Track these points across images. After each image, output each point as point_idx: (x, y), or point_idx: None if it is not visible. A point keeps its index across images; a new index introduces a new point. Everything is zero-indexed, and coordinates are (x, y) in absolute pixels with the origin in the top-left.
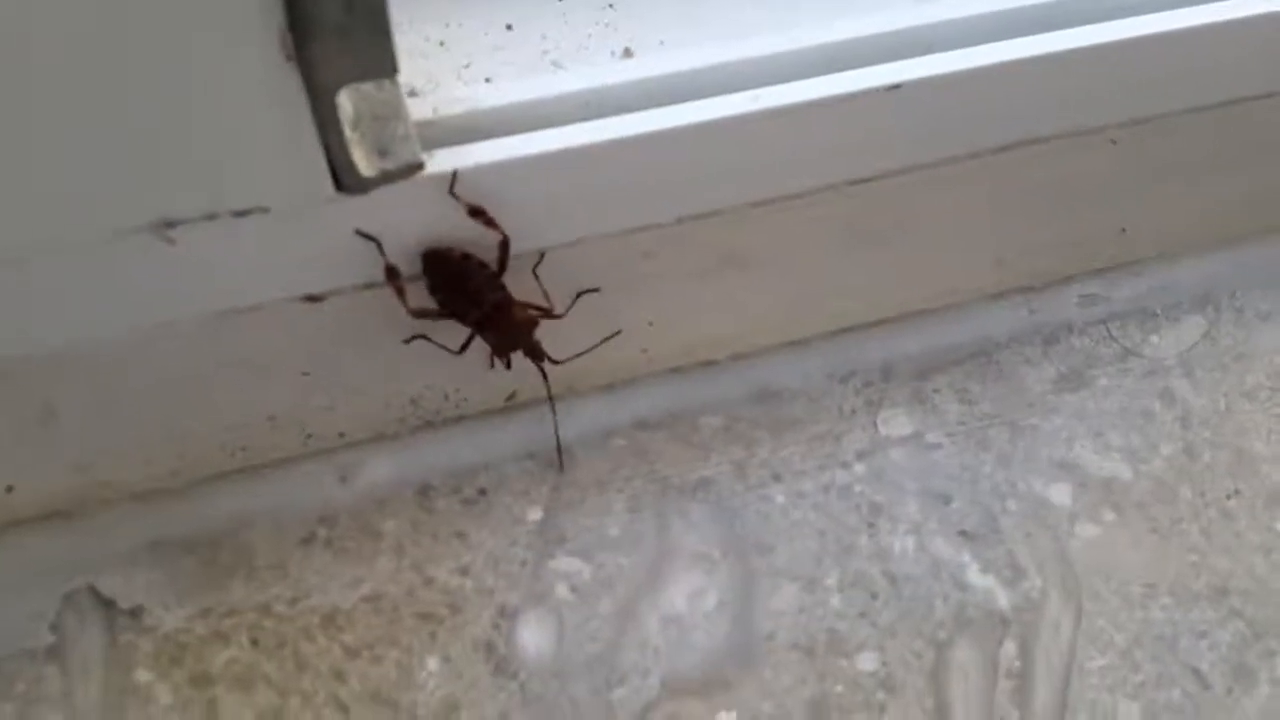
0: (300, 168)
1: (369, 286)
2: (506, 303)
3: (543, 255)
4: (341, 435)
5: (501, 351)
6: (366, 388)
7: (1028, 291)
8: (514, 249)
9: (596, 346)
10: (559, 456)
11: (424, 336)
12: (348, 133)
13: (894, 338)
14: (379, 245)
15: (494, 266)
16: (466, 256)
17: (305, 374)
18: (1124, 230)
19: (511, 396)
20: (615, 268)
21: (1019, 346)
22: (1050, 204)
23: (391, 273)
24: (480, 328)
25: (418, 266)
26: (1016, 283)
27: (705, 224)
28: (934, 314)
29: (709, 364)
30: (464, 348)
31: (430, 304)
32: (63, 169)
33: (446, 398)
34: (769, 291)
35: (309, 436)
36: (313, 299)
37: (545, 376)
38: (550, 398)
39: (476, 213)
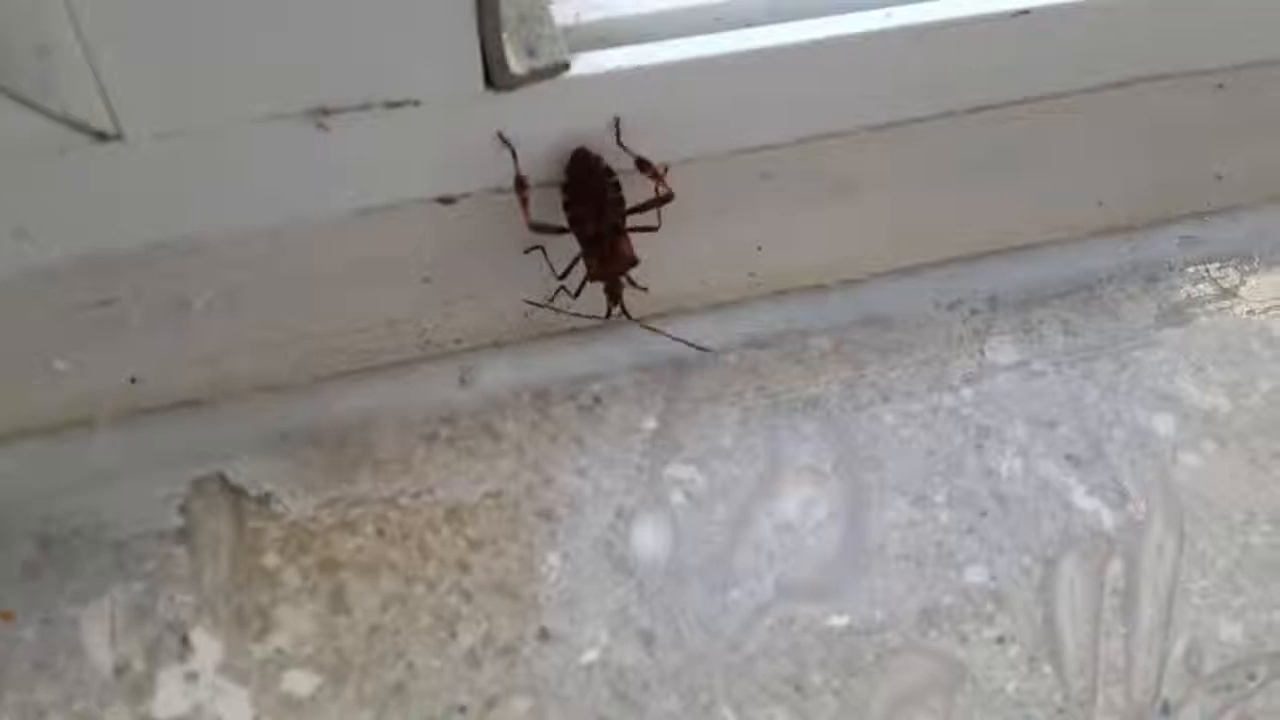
0: (456, 61)
1: (499, 191)
2: (621, 231)
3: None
4: (458, 341)
5: (595, 274)
6: (484, 296)
7: (1129, 231)
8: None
9: (673, 337)
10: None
11: (542, 249)
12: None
13: (999, 269)
14: (514, 154)
15: (628, 201)
16: (610, 171)
17: (426, 279)
18: (1219, 177)
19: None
20: (731, 189)
21: (1120, 283)
22: (1151, 146)
23: (520, 183)
24: (589, 245)
25: (545, 176)
26: (1118, 222)
27: (824, 146)
28: (1038, 248)
29: (817, 288)
30: (565, 273)
31: (548, 219)
32: (226, 47)
33: (558, 311)
34: (879, 219)
35: (427, 341)
36: (446, 201)
37: (608, 315)
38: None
39: (643, 165)
